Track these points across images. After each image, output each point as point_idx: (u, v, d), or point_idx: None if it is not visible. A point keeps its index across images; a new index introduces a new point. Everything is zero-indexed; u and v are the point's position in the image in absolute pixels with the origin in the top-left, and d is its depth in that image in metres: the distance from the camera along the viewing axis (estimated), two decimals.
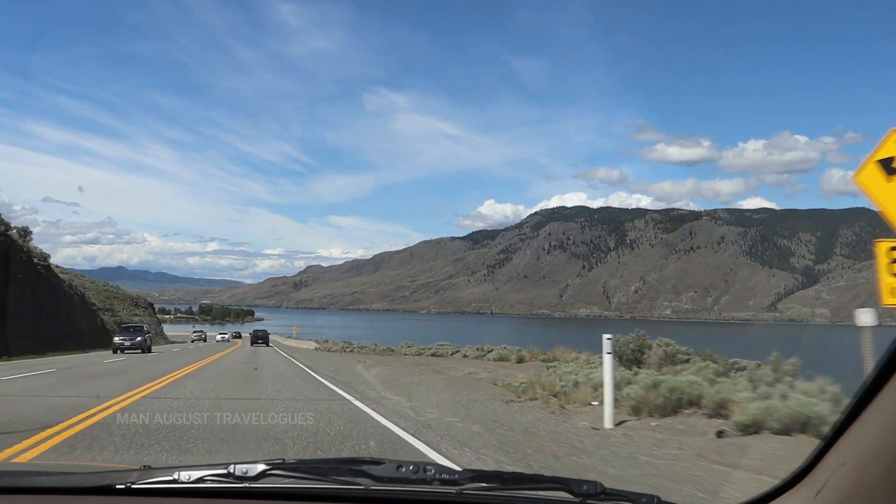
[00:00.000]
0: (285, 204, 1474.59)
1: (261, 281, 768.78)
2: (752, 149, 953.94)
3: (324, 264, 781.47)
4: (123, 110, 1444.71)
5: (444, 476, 1.71)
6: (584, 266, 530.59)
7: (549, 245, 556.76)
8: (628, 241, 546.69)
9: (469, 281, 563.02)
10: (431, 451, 7.51)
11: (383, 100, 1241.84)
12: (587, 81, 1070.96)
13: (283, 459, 1.84)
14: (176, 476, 1.70)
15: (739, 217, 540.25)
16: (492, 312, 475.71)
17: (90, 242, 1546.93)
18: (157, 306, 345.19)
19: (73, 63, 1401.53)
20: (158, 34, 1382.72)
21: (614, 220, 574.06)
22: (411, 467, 1.70)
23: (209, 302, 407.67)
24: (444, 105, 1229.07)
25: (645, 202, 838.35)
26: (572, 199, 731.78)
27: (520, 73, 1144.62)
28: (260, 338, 79.74)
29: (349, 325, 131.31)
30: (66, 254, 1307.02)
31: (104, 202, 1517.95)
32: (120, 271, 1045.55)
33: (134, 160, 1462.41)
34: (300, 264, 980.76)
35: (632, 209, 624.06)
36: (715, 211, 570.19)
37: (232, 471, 1.67)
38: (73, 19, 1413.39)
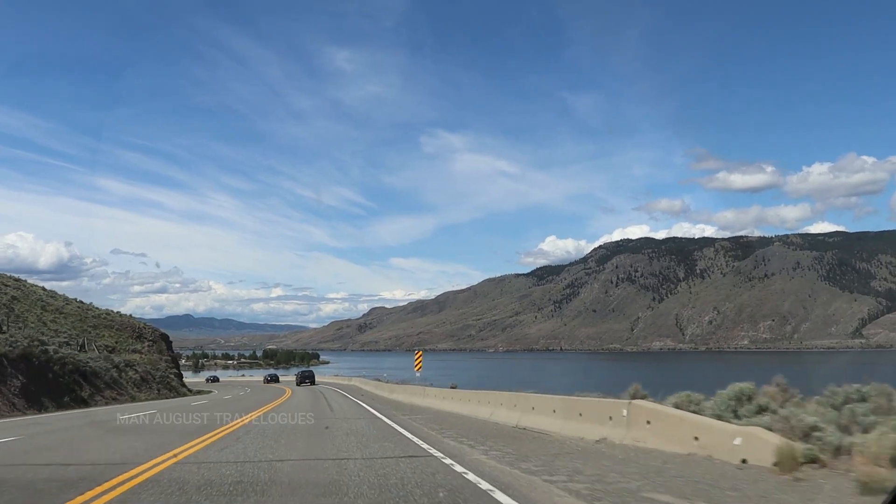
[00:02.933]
0: (347, 248, 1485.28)
1: (325, 325, 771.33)
2: (818, 172, 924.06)
3: (387, 306, 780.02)
4: (187, 162, 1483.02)
5: None
6: (654, 298, 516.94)
7: (617, 278, 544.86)
8: (698, 271, 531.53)
9: (536, 317, 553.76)
10: None
11: (440, 141, 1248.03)
12: (644, 113, 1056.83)
13: None
14: None
15: (813, 241, 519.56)
16: (561, 349, 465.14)
17: (158, 292, 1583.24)
18: (220, 352, 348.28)
19: (138, 118, 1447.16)
20: (219, 87, 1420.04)
21: (682, 251, 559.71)
22: None
23: (274, 347, 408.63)
24: (501, 143, 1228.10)
25: (709, 231, 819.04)
26: (634, 232, 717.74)
27: (575, 109, 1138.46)
28: (307, 377, 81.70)
29: (426, 367, 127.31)
30: (135, 303, 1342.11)
31: (170, 252, 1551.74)
32: (187, 319, 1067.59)
33: (198, 210, 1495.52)
34: (364, 307, 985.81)
35: (698, 238, 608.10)
36: (786, 236, 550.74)
37: None
38: (139, 77, 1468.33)
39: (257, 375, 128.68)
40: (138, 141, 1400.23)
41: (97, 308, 68.85)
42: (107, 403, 35.75)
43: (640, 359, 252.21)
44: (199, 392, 62.91)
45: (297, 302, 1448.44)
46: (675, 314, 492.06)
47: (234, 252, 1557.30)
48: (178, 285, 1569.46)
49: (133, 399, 41.49)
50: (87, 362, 38.65)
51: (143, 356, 58.57)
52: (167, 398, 47.85)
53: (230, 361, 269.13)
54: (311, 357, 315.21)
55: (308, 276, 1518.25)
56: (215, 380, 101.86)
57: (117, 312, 72.00)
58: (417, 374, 41.34)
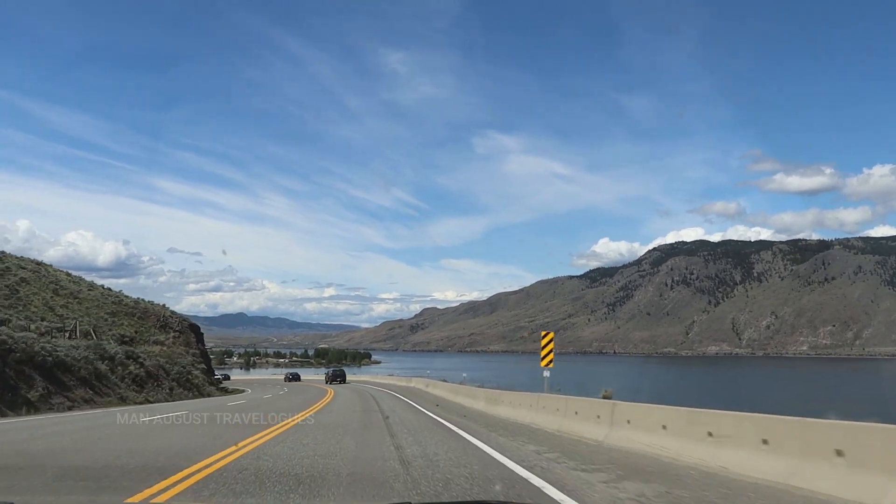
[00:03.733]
0: (399, 248, 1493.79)
1: (377, 325, 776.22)
2: (879, 174, 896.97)
3: (439, 307, 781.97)
4: (243, 162, 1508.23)
5: None
6: (709, 301, 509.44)
7: (672, 280, 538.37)
8: (755, 274, 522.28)
9: (589, 320, 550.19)
10: None
11: (493, 142, 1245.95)
12: (699, 114, 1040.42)
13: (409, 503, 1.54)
14: None
15: (875, 245, 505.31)
16: (614, 352, 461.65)
17: (213, 290, 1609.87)
18: (272, 350, 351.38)
19: (195, 119, 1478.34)
20: (274, 88, 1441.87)
21: (738, 253, 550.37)
22: None
23: (325, 346, 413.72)
24: (554, 145, 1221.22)
25: (765, 234, 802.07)
26: (689, 235, 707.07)
27: (629, 110, 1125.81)
28: (337, 377, 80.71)
29: (473, 367, 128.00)
30: (190, 301, 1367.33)
31: (225, 251, 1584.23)
32: (241, 318, 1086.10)
33: (253, 210, 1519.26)
34: (416, 307, 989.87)
35: (756, 241, 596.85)
36: (847, 240, 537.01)
37: None
38: (195, 78, 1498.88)
39: (279, 374, 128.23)
40: (195, 141, 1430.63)
41: (126, 297, 63.74)
42: (70, 408, 27.32)
43: (698, 363, 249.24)
44: (234, 391, 58.33)
45: (349, 302, 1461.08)
46: (731, 318, 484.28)
47: (288, 252, 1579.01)
48: (232, 284, 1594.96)
49: (122, 401, 33.28)
50: (53, 351, 29.76)
51: (164, 348, 52.45)
52: (182, 399, 41.34)
53: (281, 360, 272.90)
54: (362, 356, 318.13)
55: (360, 277, 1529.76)
56: (227, 378, 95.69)
57: (148, 301, 66.51)
58: (546, 374, 23.46)
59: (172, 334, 59.21)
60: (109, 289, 65.54)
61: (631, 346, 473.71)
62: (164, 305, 67.56)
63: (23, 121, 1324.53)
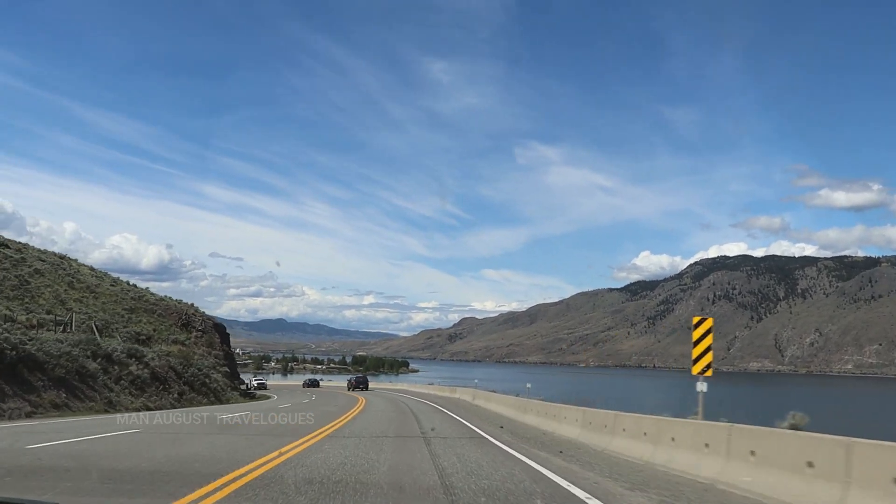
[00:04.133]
0: (439, 258, 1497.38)
1: (415, 333, 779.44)
2: None
3: (478, 317, 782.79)
4: (286, 169, 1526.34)
5: None
6: (752, 317, 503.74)
7: (714, 295, 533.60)
8: (799, 290, 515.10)
9: (629, 333, 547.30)
10: None
11: (535, 153, 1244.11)
12: (743, 128, 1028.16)
13: None
14: None
15: None
16: (654, 366, 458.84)
17: (253, 295, 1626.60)
18: (310, 356, 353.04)
19: (239, 126, 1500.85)
20: (317, 95, 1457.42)
21: (782, 269, 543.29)
22: None
23: (363, 353, 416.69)
24: (596, 157, 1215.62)
25: (809, 250, 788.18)
26: (731, 249, 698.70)
27: (672, 123, 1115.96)
28: (360, 383, 77.42)
29: (512, 378, 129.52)
30: (231, 306, 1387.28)
31: (266, 257, 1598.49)
32: (280, 323, 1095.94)
33: (296, 217, 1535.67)
34: (454, 317, 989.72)
35: (799, 257, 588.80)
36: (895, 257, 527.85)
37: None
38: (239, 85, 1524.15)
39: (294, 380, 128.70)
40: (239, 148, 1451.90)
41: (149, 293, 60.19)
42: (29, 414, 22.75)
43: (743, 380, 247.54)
44: (261, 397, 57.19)
45: (388, 310, 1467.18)
46: (774, 334, 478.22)
47: (330, 259, 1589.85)
48: (272, 290, 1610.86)
49: (110, 406, 28.90)
50: (20, 345, 25.08)
51: (182, 348, 48.71)
52: (194, 404, 38.25)
53: (318, 366, 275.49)
54: (400, 364, 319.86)
55: (400, 285, 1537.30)
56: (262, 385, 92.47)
57: (175, 300, 63.06)
58: (702, 388, 14.36)
59: (195, 334, 55.97)
60: (135, 285, 62.47)
61: (671, 361, 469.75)
62: (191, 304, 63.93)
63: (72, 125, 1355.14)
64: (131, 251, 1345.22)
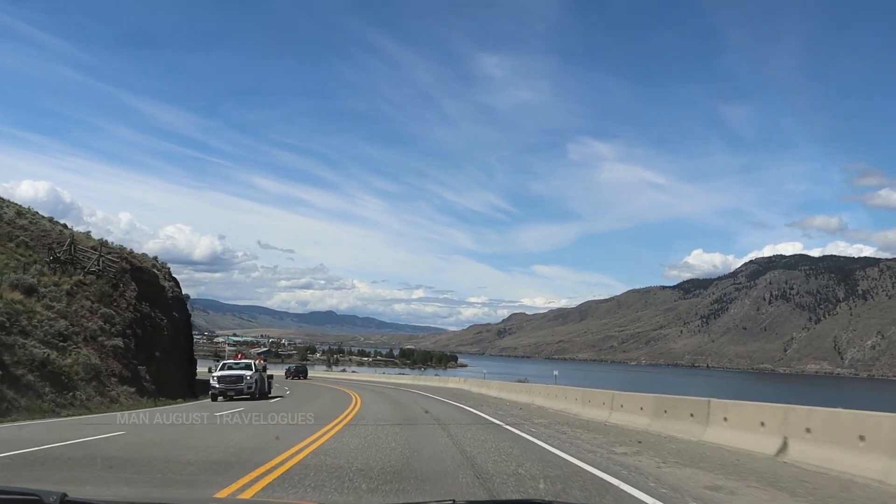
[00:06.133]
0: (489, 253, 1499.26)
1: (464, 328, 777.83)
2: None
3: (528, 312, 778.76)
4: (336, 162, 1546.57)
5: None
6: (810, 318, 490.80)
7: (770, 295, 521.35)
8: (860, 292, 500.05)
9: (682, 332, 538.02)
10: None
11: (587, 149, 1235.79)
12: (801, 126, 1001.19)
13: (454, 500, 1.73)
14: None
15: None
16: (707, 365, 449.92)
17: (303, 287, 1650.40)
18: (357, 349, 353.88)
19: (291, 118, 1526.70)
20: (370, 89, 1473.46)
21: (842, 270, 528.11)
22: None
23: (411, 347, 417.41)
24: (648, 153, 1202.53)
25: (867, 251, 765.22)
26: (787, 249, 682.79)
27: (727, 120, 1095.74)
28: (300, 372, 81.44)
29: (573, 375, 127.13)
30: (281, 298, 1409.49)
31: (317, 249, 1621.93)
32: (329, 315, 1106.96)
33: (346, 210, 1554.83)
34: (503, 312, 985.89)
35: (860, 257, 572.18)
36: None
37: None
38: (293, 78, 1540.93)
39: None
40: (291, 140, 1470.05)
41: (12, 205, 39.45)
42: None
43: (802, 382, 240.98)
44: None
45: (437, 304, 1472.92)
46: (833, 336, 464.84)
47: (379, 252, 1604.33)
48: (322, 282, 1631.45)
49: None
50: None
51: (26, 299, 27.68)
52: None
53: (365, 358, 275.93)
54: (448, 358, 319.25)
55: (449, 280, 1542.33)
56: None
57: (48, 219, 41.46)
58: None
59: (76, 278, 33.25)
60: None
61: (725, 361, 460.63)
62: (86, 233, 43.45)
63: (129, 117, 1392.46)
64: (184, 241, 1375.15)
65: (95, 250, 36.87)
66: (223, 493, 7.74)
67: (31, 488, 2.37)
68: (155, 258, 49.43)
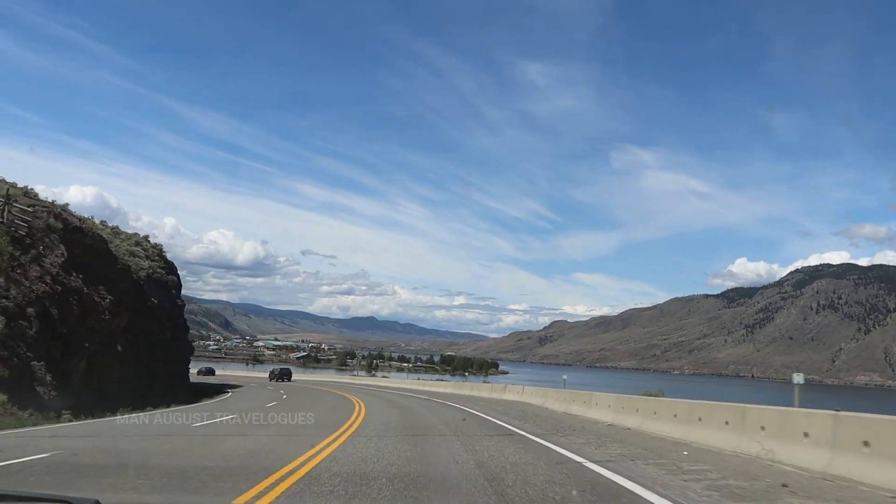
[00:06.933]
0: (530, 260, 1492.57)
1: (505, 335, 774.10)
2: None
3: (569, 320, 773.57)
4: (379, 169, 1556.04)
5: None
6: (859, 328, 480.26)
7: (818, 304, 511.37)
8: None
9: (726, 341, 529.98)
10: None
11: (630, 157, 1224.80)
12: (847, 133, 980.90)
13: None
14: None
15: None
16: (752, 376, 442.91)
17: (345, 293, 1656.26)
18: (398, 354, 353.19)
19: (335, 125, 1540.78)
20: (412, 97, 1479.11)
21: (892, 279, 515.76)
22: None
23: (452, 353, 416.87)
24: (692, 161, 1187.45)
25: None
26: (833, 258, 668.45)
27: (772, 128, 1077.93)
28: (284, 374, 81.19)
29: (607, 383, 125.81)
30: (323, 303, 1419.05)
31: (358, 255, 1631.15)
32: (370, 321, 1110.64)
33: (388, 217, 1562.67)
34: (545, 320, 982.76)
35: None
36: None
37: None
38: (337, 85, 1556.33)
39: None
40: (334, 147, 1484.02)
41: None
42: None
43: (852, 394, 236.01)
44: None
45: (478, 311, 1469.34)
46: (883, 347, 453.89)
47: (421, 259, 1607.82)
48: (364, 288, 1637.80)
49: None
50: None
51: None
52: None
53: (405, 364, 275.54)
54: (489, 365, 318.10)
55: (491, 287, 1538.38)
56: (210, 372, 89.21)
57: None
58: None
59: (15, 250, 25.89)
60: None
61: (771, 371, 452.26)
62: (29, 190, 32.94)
63: (174, 123, 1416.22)
64: (227, 247, 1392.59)
65: (1, 197, 26.77)
66: None
67: (63, 495, 2.46)
68: (113, 225, 45.53)
